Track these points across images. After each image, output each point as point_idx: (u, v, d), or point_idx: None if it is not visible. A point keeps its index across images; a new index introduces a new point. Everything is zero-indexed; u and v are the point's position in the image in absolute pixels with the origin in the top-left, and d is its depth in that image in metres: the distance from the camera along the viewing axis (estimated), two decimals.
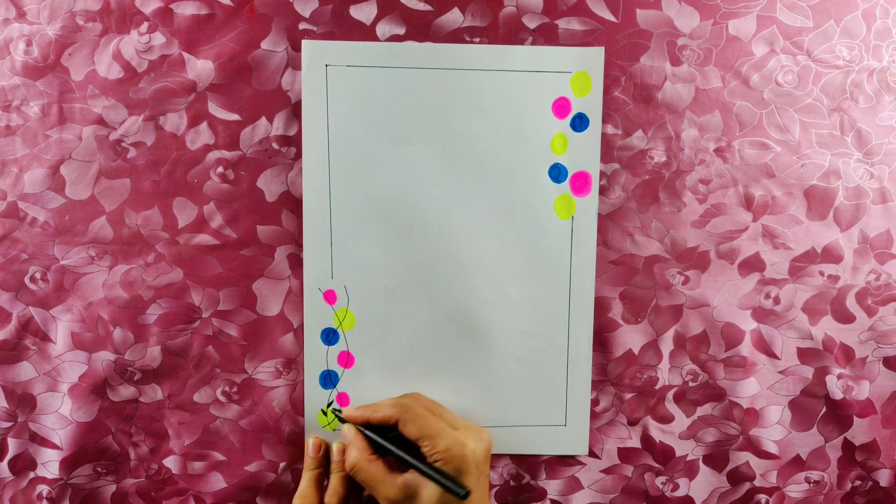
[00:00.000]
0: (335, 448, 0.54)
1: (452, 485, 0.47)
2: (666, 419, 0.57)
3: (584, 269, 0.55)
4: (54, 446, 0.55)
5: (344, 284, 0.54)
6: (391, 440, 0.51)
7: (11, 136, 0.52)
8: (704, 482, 0.57)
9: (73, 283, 0.53)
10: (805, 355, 0.56)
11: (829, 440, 0.57)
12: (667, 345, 0.56)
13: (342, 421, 0.53)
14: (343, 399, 0.55)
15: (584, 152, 0.54)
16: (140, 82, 0.52)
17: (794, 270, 0.55)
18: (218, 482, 0.56)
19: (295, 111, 0.53)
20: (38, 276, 0.53)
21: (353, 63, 0.53)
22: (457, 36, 0.53)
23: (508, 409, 0.56)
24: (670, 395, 0.56)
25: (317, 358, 0.55)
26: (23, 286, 0.53)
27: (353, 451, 0.51)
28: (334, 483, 0.53)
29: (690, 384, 0.56)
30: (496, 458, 0.56)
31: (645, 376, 0.56)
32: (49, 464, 0.55)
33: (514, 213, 0.54)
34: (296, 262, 0.54)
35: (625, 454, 0.57)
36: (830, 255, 0.55)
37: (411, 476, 0.49)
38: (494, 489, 0.57)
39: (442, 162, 0.54)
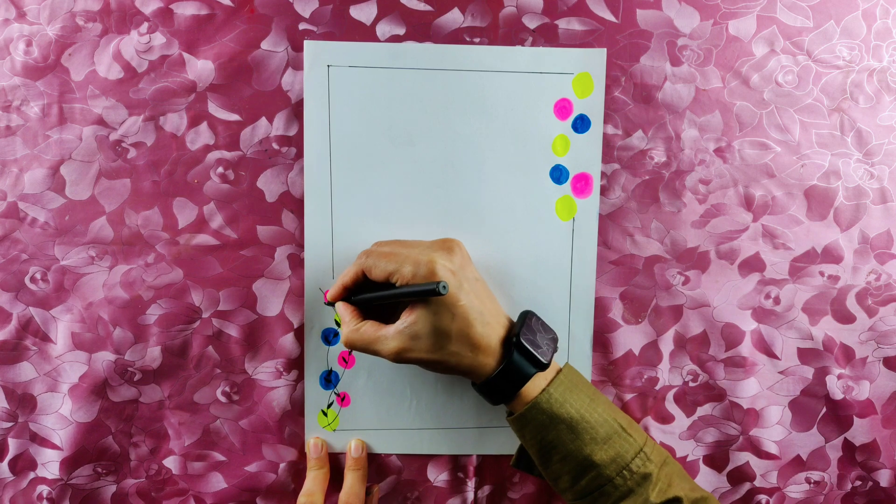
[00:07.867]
0: (353, 445, 0.55)
1: (425, 287, 0.44)
2: (666, 419, 0.57)
3: (585, 271, 0.55)
4: (54, 447, 0.55)
5: None
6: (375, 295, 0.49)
7: (11, 137, 0.52)
8: (705, 482, 0.57)
9: (73, 284, 0.53)
10: (805, 355, 0.56)
11: (829, 440, 0.57)
12: (667, 345, 0.56)
13: (331, 304, 0.51)
14: (344, 399, 0.55)
15: (585, 154, 0.54)
16: (140, 82, 0.52)
17: (794, 270, 0.55)
18: (218, 482, 0.56)
19: (295, 111, 0.53)
20: (38, 276, 0.53)
21: (355, 63, 0.53)
22: (457, 36, 0.53)
23: None
24: (670, 395, 0.56)
25: (317, 358, 0.55)
26: (23, 286, 0.53)
27: (343, 328, 0.50)
28: (351, 481, 0.53)
29: (691, 384, 0.56)
30: (498, 458, 0.56)
31: (645, 377, 0.56)
32: (49, 464, 0.55)
33: (515, 214, 0.54)
34: (296, 263, 0.54)
35: None
36: (830, 255, 0.55)
37: (401, 321, 0.47)
38: (496, 493, 0.57)
39: (443, 163, 0.54)
